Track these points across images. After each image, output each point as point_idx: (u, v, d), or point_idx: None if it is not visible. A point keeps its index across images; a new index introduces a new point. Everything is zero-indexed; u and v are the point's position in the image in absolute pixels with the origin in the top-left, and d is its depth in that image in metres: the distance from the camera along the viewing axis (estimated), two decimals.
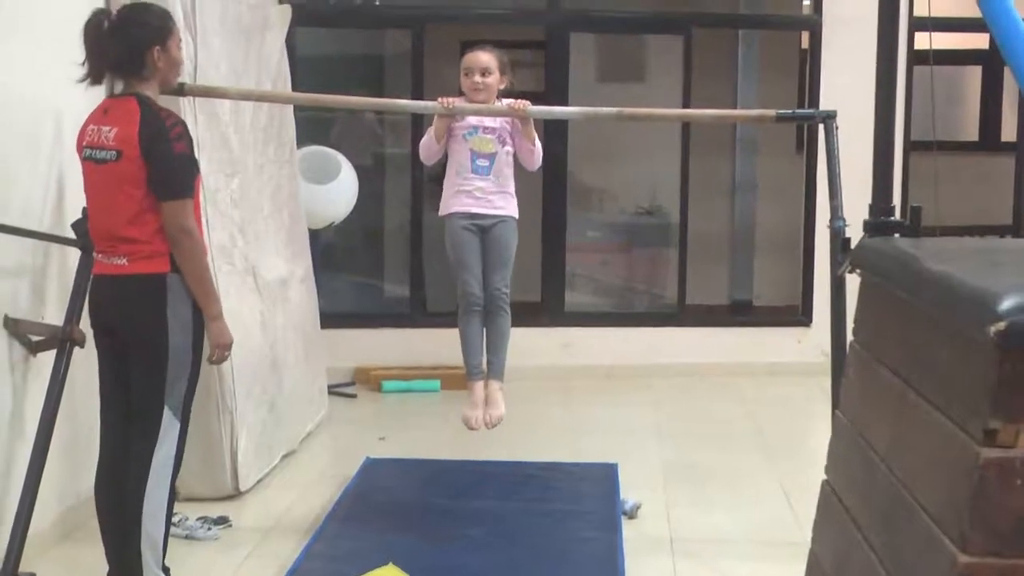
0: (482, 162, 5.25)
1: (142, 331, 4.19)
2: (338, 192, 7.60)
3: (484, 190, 5.26)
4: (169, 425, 4.23)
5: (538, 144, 5.34)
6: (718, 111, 6.75)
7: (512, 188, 5.36)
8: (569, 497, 5.73)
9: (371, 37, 10.04)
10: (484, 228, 5.29)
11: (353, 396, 7.98)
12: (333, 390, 7.73)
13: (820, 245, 8.33)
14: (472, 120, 5.26)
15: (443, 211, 5.36)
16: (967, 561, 1.89)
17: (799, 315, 8.82)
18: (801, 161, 8.96)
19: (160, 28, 4.25)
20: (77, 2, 4.91)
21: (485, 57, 5.27)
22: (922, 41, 8.13)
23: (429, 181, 8.35)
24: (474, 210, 5.27)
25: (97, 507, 4.35)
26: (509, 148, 5.30)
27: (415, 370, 8.22)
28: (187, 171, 4.22)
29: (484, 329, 5.34)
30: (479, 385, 5.30)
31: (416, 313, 8.62)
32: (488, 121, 5.26)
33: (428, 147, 5.31)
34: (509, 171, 5.33)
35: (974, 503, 1.89)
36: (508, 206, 5.33)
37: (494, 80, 5.26)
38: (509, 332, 5.35)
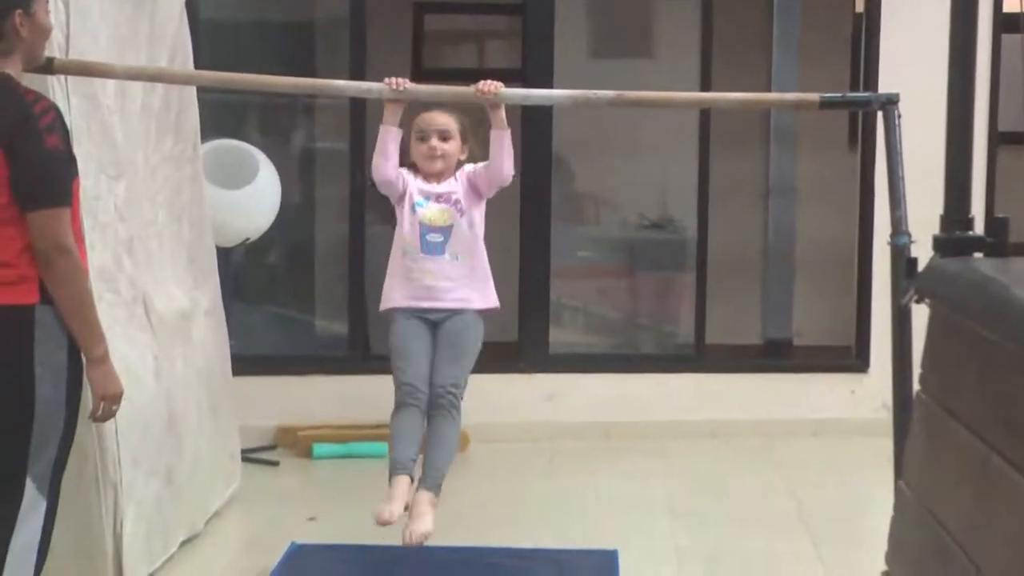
0: (434, 237, 5.32)
1: (0, 380, 4.17)
2: (255, 199, 7.60)
3: (437, 275, 5.34)
4: (33, 503, 4.20)
5: (508, 138, 5.36)
6: (747, 95, 6.76)
7: (482, 269, 5.41)
8: None
9: None
10: (435, 322, 5.36)
11: (275, 463, 7.96)
12: (249, 456, 7.71)
13: (879, 267, 8.35)
14: (421, 184, 5.32)
15: (384, 304, 5.43)
16: None
17: (852, 358, 8.84)
18: (854, 159, 9.00)
19: None
20: None
21: (442, 118, 5.38)
22: (1012, 2, 8.18)
23: (372, 186, 8.36)
24: (424, 304, 5.33)
25: None
26: (474, 216, 5.35)
27: (354, 430, 8.20)
28: (62, 172, 4.20)
29: (424, 428, 5.35)
30: (402, 480, 5.25)
31: (356, 357, 8.61)
32: (438, 186, 5.33)
33: (382, 149, 5.32)
34: (474, 247, 5.38)
35: None
36: (472, 296, 5.39)
37: (454, 147, 5.38)
38: (456, 441, 5.35)
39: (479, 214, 5.41)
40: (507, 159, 5.36)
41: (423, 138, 5.36)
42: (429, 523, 5.19)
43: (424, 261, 5.32)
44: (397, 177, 5.35)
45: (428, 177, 5.35)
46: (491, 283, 5.46)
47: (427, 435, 5.33)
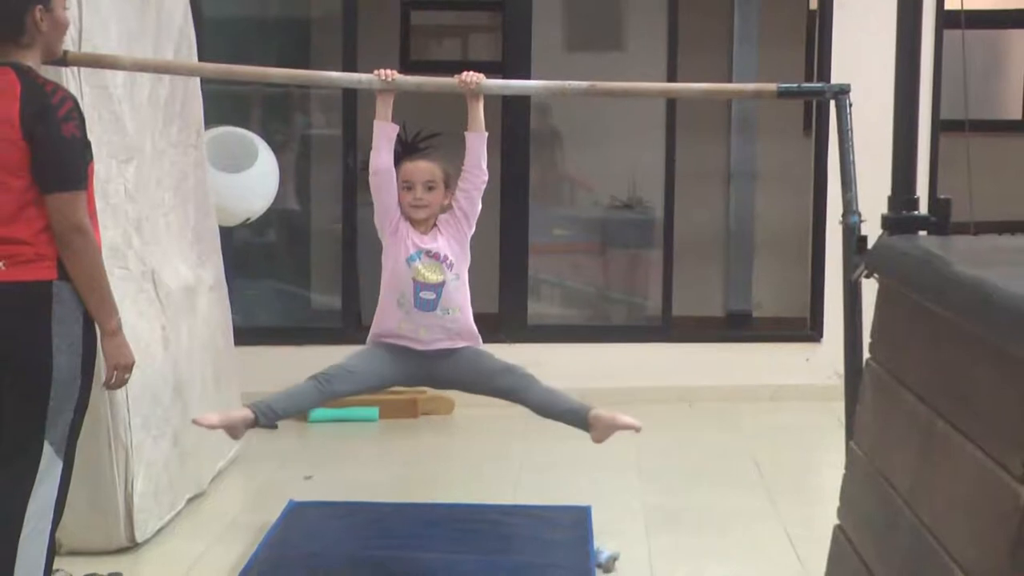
0: (427, 295, 5.27)
1: (20, 350, 4.16)
2: (255, 182, 7.57)
3: (430, 329, 5.28)
4: (50, 464, 4.20)
5: (484, 141, 5.33)
6: (710, 85, 6.75)
7: (468, 316, 5.37)
8: (533, 547, 5.73)
9: None
10: (426, 370, 5.35)
11: (274, 427, 7.94)
12: None
13: (832, 245, 8.37)
14: (414, 236, 5.28)
15: (374, 337, 5.39)
16: None
17: (807, 329, 8.85)
18: (809, 145, 9.00)
19: None
20: None
21: (427, 167, 5.31)
22: (953, 0, 8.19)
23: (363, 169, 8.35)
24: (417, 347, 5.30)
25: None
26: (461, 268, 5.32)
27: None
28: (79, 157, 4.20)
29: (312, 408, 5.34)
30: (244, 413, 5.17)
31: (349, 327, 8.60)
32: (429, 243, 5.28)
33: (376, 145, 5.28)
34: (464, 299, 5.35)
35: (1015, 553, 1.90)
36: (462, 341, 5.36)
37: (438, 195, 5.31)
38: (548, 387, 5.35)
39: (465, 262, 5.37)
40: (483, 160, 5.32)
41: (409, 188, 5.31)
42: (625, 418, 5.25)
43: (418, 316, 5.27)
44: (389, 171, 5.30)
45: (416, 224, 5.32)
46: (475, 327, 5.43)
47: (538, 409, 5.38)
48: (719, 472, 7.08)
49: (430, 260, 5.26)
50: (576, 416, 5.30)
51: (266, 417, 5.16)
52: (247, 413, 5.14)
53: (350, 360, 5.36)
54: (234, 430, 5.16)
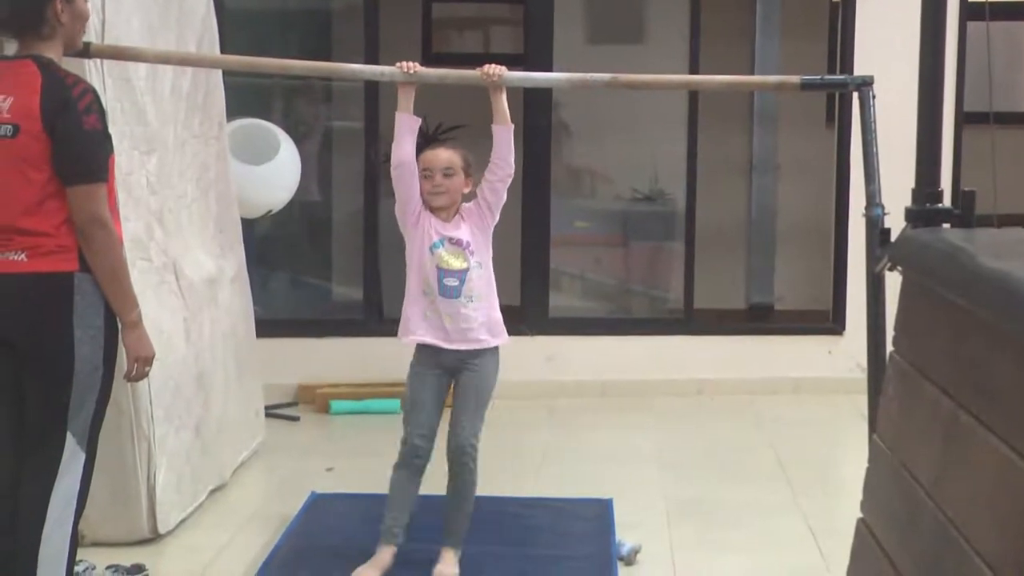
0: (451, 281, 5.25)
1: (42, 342, 4.17)
2: (276, 174, 7.59)
3: (454, 318, 5.24)
4: (72, 455, 4.21)
5: (511, 134, 5.32)
6: (732, 77, 6.73)
7: (494, 308, 5.35)
8: (555, 539, 5.74)
9: None
10: (452, 369, 5.31)
11: (295, 419, 7.97)
12: (271, 412, 7.71)
13: (854, 237, 8.36)
14: (436, 224, 5.26)
15: (404, 334, 5.35)
16: None
17: (829, 321, 8.84)
18: (831, 137, 8.98)
19: None
20: None
21: (446, 155, 5.30)
22: None
23: (385, 162, 8.36)
24: (444, 345, 5.27)
25: None
26: (484, 257, 5.30)
27: (369, 387, 8.20)
28: (100, 149, 4.20)
29: (418, 489, 5.32)
30: (389, 551, 5.23)
31: (371, 320, 8.62)
32: (452, 230, 5.26)
33: (398, 137, 5.27)
34: (487, 288, 5.32)
35: None
36: (487, 337, 5.32)
37: (458, 182, 5.28)
38: (472, 496, 5.32)
39: (487, 252, 5.35)
40: (510, 153, 5.30)
41: (428, 175, 5.30)
42: (456, 570, 5.23)
43: (442, 304, 5.24)
44: (411, 163, 5.28)
45: (437, 212, 5.30)
46: (501, 319, 5.41)
47: (448, 493, 5.30)
48: (741, 465, 7.08)
49: (453, 247, 5.25)
50: (447, 533, 5.31)
51: (398, 537, 5.24)
52: (389, 548, 5.22)
53: (405, 398, 5.35)
54: (386, 567, 5.23)
